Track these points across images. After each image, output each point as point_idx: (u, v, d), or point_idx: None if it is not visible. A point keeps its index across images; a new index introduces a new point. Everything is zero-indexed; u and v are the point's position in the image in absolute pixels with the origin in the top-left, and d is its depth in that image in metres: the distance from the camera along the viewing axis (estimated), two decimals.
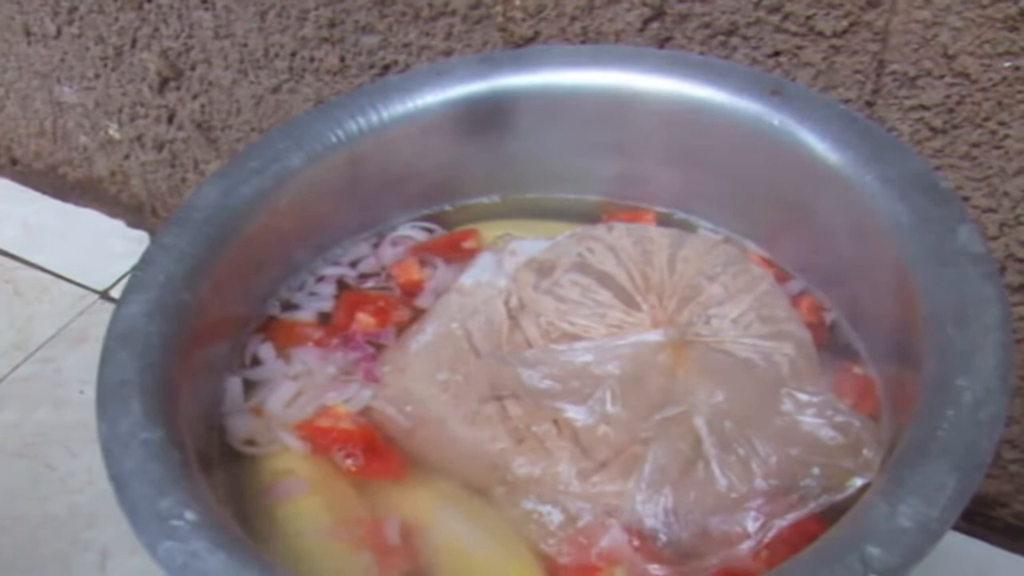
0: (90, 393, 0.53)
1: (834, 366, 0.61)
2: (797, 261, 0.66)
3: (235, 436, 0.59)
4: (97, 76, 1.20)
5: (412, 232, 0.72)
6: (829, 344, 0.62)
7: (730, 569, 0.49)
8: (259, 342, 0.65)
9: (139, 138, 1.22)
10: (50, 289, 1.22)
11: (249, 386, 0.62)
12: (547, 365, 0.53)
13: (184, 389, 0.56)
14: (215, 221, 0.62)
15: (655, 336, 0.53)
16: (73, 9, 1.15)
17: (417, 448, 0.59)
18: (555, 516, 0.54)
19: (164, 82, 1.14)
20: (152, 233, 1.28)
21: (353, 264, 0.70)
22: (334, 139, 0.67)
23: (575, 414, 0.52)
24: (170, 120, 1.18)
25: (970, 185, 0.78)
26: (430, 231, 0.72)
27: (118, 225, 1.30)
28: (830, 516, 0.49)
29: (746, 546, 0.49)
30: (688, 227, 0.71)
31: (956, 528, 0.91)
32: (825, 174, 0.61)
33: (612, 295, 0.59)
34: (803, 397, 0.51)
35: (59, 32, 1.18)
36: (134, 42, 1.13)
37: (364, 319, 0.65)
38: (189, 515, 0.47)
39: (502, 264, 0.66)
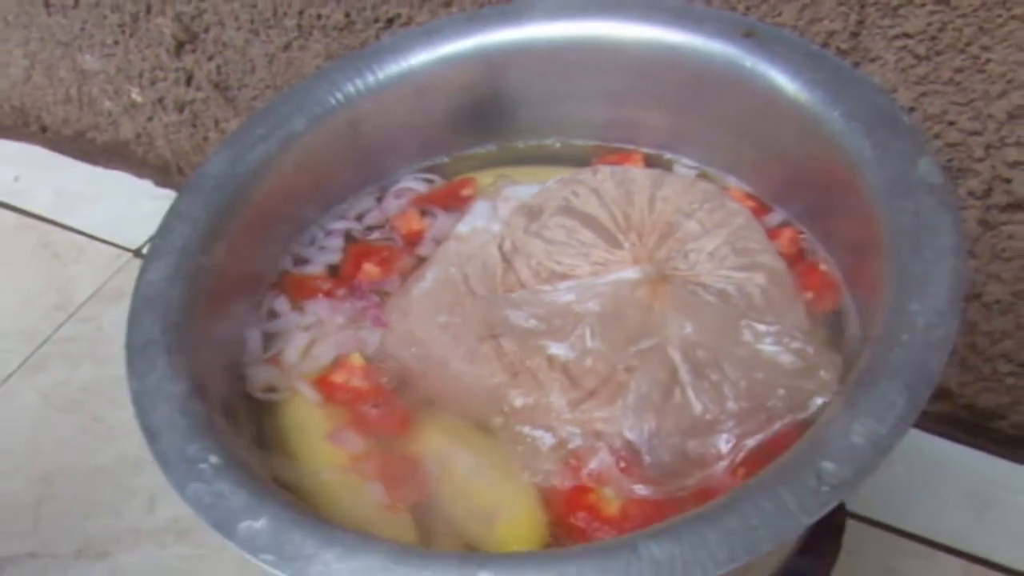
0: None
1: (802, 268, 0.64)
2: (776, 194, 0.69)
3: (255, 385, 0.64)
4: (116, 43, 1.23)
5: (413, 184, 0.75)
6: (804, 267, 0.65)
7: (707, 487, 0.53)
8: (274, 297, 0.69)
9: (160, 100, 1.25)
10: (86, 250, 1.25)
11: (267, 338, 0.67)
12: (532, 305, 0.57)
13: (205, 344, 0.61)
14: (225, 187, 0.66)
15: (633, 273, 0.57)
16: None
17: (427, 387, 0.63)
18: (547, 440, 0.58)
19: (180, 45, 1.17)
20: (179, 191, 1.31)
21: (359, 217, 0.74)
22: (333, 102, 0.71)
23: (558, 350, 0.56)
24: (188, 82, 1.21)
25: (955, 109, 0.80)
26: (430, 181, 0.76)
27: (146, 185, 1.33)
28: (797, 434, 0.53)
29: (721, 466, 0.53)
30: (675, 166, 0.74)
31: (958, 440, 0.95)
32: (796, 113, 0.63)
33: (595, 235, 0.62)
34: (760, 328, 0.55)
35: (77, 2, 1.21)
36: (148, 8, 1.16)
37: (370, 268, 0.69)
38: (213, 459, 0.52)
39: (496, 210, 0.69)
